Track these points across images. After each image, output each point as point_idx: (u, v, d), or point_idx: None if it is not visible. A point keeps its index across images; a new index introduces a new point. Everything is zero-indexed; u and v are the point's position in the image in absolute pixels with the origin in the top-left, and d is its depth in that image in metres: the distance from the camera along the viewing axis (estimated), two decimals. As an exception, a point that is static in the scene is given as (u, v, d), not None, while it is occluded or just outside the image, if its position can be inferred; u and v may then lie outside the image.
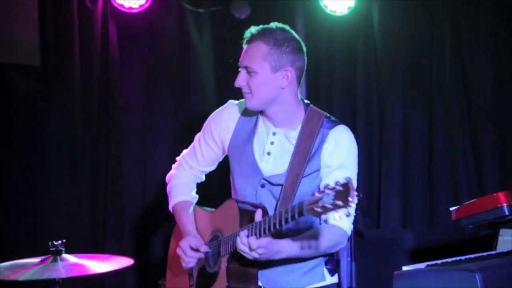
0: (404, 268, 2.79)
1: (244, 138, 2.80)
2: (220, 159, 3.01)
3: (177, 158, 3.08)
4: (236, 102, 2.90)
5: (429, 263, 2.85)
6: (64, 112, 4.87)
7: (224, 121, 2.86)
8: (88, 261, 2.95)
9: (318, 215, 2.19)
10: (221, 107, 2.94)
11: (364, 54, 5.20)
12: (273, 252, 2.49)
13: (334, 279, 2.81)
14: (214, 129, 2.88)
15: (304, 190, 2.65)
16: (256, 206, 2.60)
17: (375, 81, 5.19)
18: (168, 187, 3.05)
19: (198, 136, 2.98)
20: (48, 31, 4.76)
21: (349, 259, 3.92)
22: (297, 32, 2.77)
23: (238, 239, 2.45)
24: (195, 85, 5.29)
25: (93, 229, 4.95)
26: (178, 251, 2.76)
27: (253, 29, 2.68)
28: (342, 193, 2.08)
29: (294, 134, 2.71)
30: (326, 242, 2.63)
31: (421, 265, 2.82)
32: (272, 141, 2.73)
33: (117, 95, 5.07)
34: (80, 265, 2.88)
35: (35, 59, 4.68)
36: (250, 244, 2.42)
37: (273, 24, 2.69)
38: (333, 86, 5.31)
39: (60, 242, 2.92)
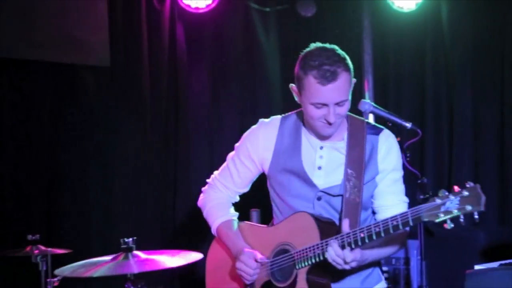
0: (476, 267, 2.73)
1: (288, 156, 2.74)
2: (254, 179, 2.93)
3: (208, 180, 2.98)
4: (268, 120, 2.86)
5: (503, 262, 2.79)
6: (133, 111, 4.98)
7: (261, 141, 2.80)
8: (159, 256, 2.99)
9: (437, 220, 2.18)
10: (253, 127, 2.87)
11: (432, 50, 5.10)
12: (361, 261, 2.48)
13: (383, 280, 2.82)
14: (251, 150, 2.83)
15: (366, 196, 2.64)
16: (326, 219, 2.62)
17: (444, 77, 5.10)
18: (205, 211, 2.95)
19: (232, 157, 2.91)
20: (117, 33, 4.88)
21: (419, 257, 3.86)
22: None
23: (331, 251, 2.42)
24: (262, 84, 5.29)
25: (163, 226, 5.04)
26: (240, 265, 2.68)
27: (331, 67, 2.49)
28: (469, 198, 2.11)
29: (342, 144, 2.69)
30: (399, 244, 2.62)
31: (494, 264, 2.76)
32: (321, 155, 2.69)
33: (185, 95, 5.13)
34: (151, 261, 2.92)
35: (105, 60, 4.80)
36: (345, 257, 2.39)
37: (331, 47, 2.54)
38: (401, 83, 5.23)
39: (131, 239, 2.98)
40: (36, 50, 4.50)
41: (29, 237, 3.79)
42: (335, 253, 2.41)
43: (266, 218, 2.96)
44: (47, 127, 4.65)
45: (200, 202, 2.99)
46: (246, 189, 2.95)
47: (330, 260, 2.43)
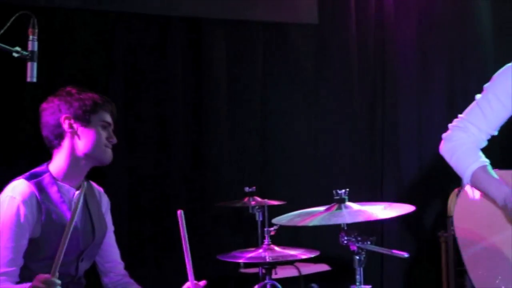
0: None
1: None
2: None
3: (454, 124, 2.82)
4: None
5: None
6: (340, 69, 5.01)
7: None
8: (371, 207, 3.02)
9: None
10: (507, 66, 2.73)
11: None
12: None
13: None
14: (507, 88, 2.68)
15: None
16: None
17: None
18: (454, 156, 2.78)
19: (485, 95, 2.75)
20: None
21: None
22: None
23: None
24: (471, 42, 5.09)
25: (372, 184, 5.08)
26: None
27: None
28: None
29: None
30: None
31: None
32: None
33: (392, 52, 5.08)
34: (363, 212, 2.96)
35: (313, 18, 4.86)
36: None
37: None
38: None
39: (344, 191, 3.04)
40: (248, 10, 4.66)
41: (246, 189, 4.00)
42: None
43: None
44: (259, 83, 4.79)
45: (446, 147, 2.82)
46: (496, 131, 2.80)
47: None
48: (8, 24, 2.29)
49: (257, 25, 4.76)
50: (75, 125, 2.76)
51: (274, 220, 2.97)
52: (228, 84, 4.67)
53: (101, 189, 3.05)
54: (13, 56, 2.35)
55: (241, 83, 4.74)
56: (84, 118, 2.75)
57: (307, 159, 4.91)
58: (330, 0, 4.97)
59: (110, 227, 3.05)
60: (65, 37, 4.17)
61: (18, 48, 2.33)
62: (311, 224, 2.84)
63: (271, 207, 3.88)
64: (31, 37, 2.41)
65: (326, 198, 4.21)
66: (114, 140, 2.85)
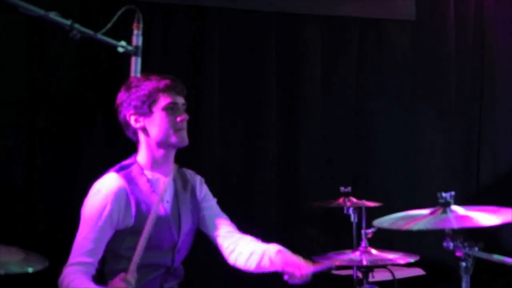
0: None
1: None
2: None
3: None
4: None
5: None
6: (437, 66, 4.87)
7: None
8: (477, 213, 2.89)
9: None
10: None
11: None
12: None
13: None
14: None
15: None
16: None
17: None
18: None
19: None
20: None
21: None
22: None
23: None
24: None
25: (465, 185, 4.91)
26: None
27: None
28: None
29: None
30: None
31: None
32: None
33: (492, 49, 4.94)
34: (470, 217, 2.83)
35: (410, 14, 4.73)
36: None
37: None
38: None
39: (449, 194, 2.91)
40: (344, 6, 4.57)
41: (342, 189, 3.90)
42: None
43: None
44: (353, 80, 4.69)
45: None
46: None
47: None
48: (115, 19, 2.27)
49: (352, 21, 4.66)
50: (140, 119, 2.75)
51: (375, 223, 2.85)
52: (322, 81, 4.58)
53: (195, 175, 3.02)
54: (118, 51, 2.33)
55: (336, 80, 4.65)
56: (145, 109, 2.73)
57: (402, 159, 4.77)
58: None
59: (211, 199, 3.03)
60: (157, 32, 4.16)
61: (123, 43, 2.31)
62: (415, 228, 2.72)
63: (368, 210, 3.78)
64: (135, 31, 2.39)
65: (422, 199, 4.13)
66: (185, 118, 2.79)
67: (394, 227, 2.82)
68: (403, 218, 2.87)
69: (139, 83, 2.73)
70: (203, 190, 3.01)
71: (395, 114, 4.77)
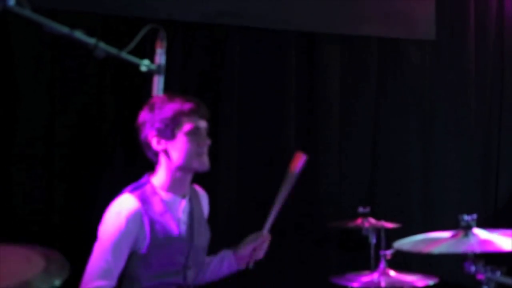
0: None
1: None
2: None
3: None
4: None
5: None
6: (457, 87, 4.85)
7: None
8: (499, 237, 2.85)
9: None
10: None
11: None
12: None
13: None
14: None
15: None
16: None
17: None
18: None
19: None
20: (444, 5, 4.75)
21: None
22: None
23: None
24: None
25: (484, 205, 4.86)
26: None
27: None
28: None
29: None
30: None
31: None
32: None
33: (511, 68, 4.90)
34: (492, 241, 2.80)
35: (430, 34, 4.71)
36: None
37: None
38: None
39: (471, 216, 2.88)
40: (363, 25, 4.55)
41: (360, 209, 3.87)
42: None
43: None
44: (372, 100, 4.67)
45: None
46: None
47: None
48: (139, 38, 2.27)
49: (372, 40, 4.64)
50: (162, 142, 2.73)
51: (396, 245, 2.83)
52: (341, 100, 4.56)
53: (202, 191, 3.02)
54: (140, 70, 2.32)
55: (354, 99, 4.63)
56: (168, 133, 2.71)
57: (421, 180, 4.74)
58: (448, 16, 4.81)
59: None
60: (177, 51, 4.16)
61: (147, 62, 2.31)
62: (436, 251, 2.71)
63: (386, 231, 3.75)
64: (159, 50, 2.38)
65: (441, 221, 4.10)
66: (207, 143, 2.78)
67: (415, 250, 2.80)
68: (423, 240, 2.85)
69: (162, 104, 2.72)
70: (208, 208, 3.04)
71: (413, 134, 4.74)
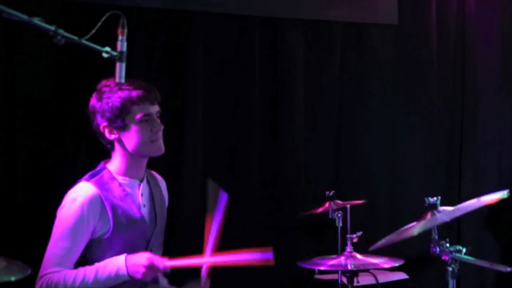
0: None
1: None
2: None
3: None
4: None
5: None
6: (419, 70, 4.88)
7: None
8: (467, 204, 2.85)
9: None
10: None
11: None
12: None
13: None
14: None
15: None
16: None
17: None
18: None
19: None
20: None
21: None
22: None
23: None
24: None
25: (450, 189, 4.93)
26: None
27: None
28: None
29: None
30: None
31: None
32: None
33: (473, 54, 4.96)
34: (461, 208, 2.80)
35: (393, 18, 4.74)
36: None
37: None
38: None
39: (434, 198, 2.89)
40: (326, 10, 4.55)
41: (327, 193, 3.91)
42: None
43: None
44: (336, 84, 4.69)
45: None
46: None
47: None
48: (99, 24, 2.23)
49: (335, 25, 4.65)
50: (114, 131, 2.72)
51: (371, 249, 2.79)
52: (305, 85, 4.56)
53: (159, 177, 3.02)
54: (103, 57, 2.29)
55: (318, 84, 4.64)
56: (119, 122, 2.69)
57: (383, 164, 4.78)
58: (410, 1, 4.83)
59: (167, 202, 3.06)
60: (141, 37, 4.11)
61: (108, 49, 2.27)
62: (415, 232, 2.68)
63: (353, 214, 3.79)
64: (120, 37, 2.34)
65: (404, 204, 4.14)
66: (160, 127, 2.75)
67: (390, 242, 2.78)
68: (395, 233, 2.85)
69: (111, 93, 2.68)
70: (167, 194, 3.04)
71: (377, 117, 4.77)
